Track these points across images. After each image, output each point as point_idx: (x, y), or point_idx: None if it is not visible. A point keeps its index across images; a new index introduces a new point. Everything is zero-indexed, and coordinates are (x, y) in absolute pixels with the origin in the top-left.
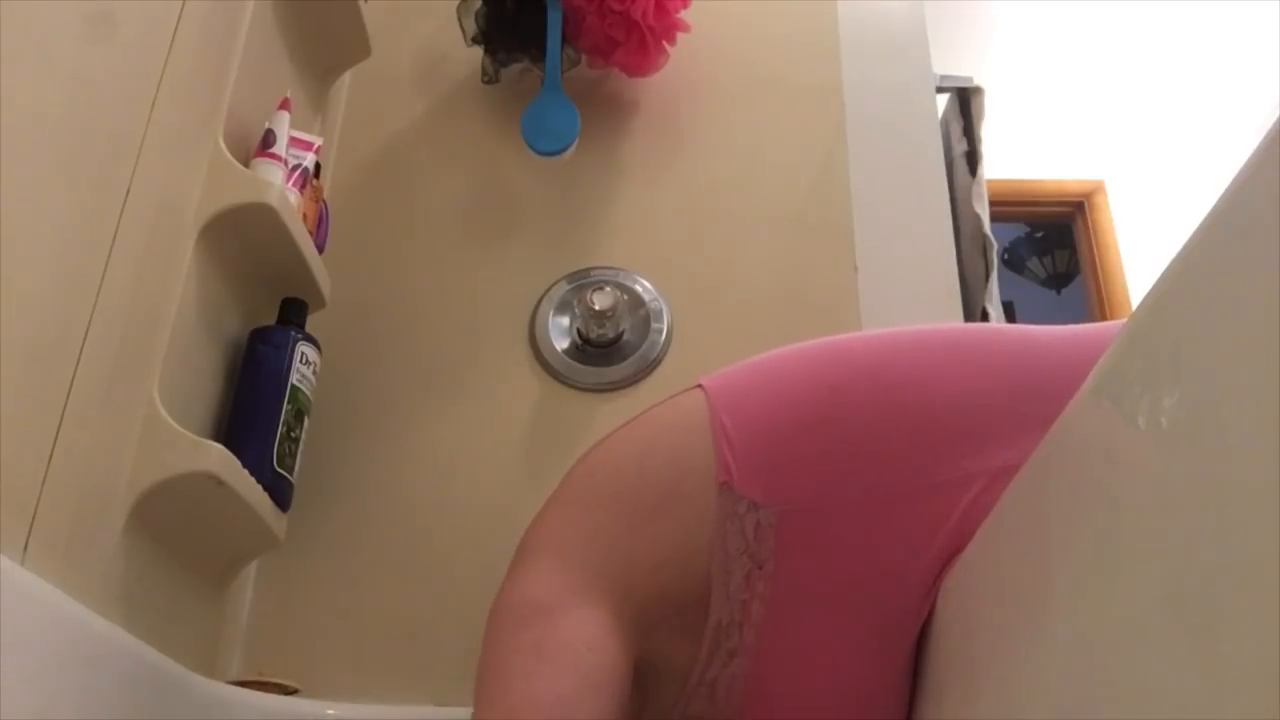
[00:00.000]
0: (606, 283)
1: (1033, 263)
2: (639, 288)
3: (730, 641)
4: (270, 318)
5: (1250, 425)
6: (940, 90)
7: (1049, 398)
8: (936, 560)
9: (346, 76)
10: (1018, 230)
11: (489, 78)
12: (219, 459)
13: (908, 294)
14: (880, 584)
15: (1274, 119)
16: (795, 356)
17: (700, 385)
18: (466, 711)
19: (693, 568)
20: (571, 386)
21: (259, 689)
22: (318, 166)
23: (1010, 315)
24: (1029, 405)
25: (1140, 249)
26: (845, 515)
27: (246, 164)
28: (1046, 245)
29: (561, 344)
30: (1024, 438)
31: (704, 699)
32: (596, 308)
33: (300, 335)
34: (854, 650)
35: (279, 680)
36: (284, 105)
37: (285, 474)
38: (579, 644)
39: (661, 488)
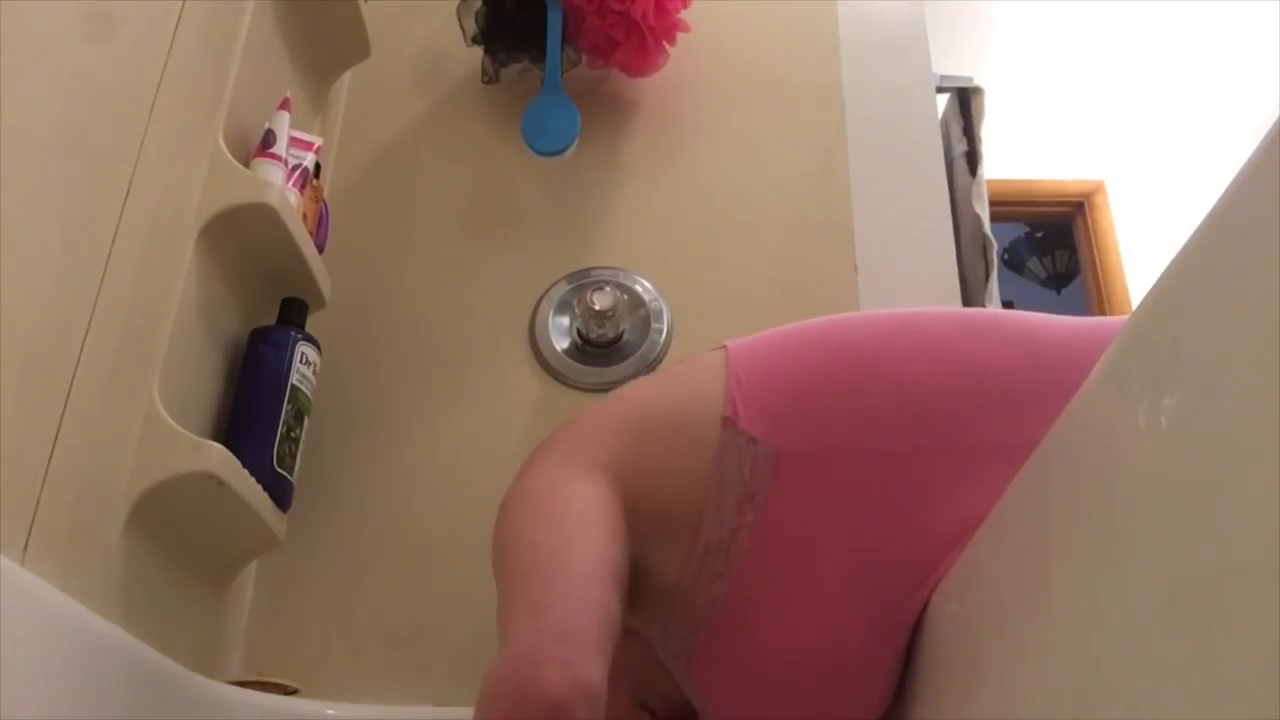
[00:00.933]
0: (606, 283)
1: (1033, 263)
2: (639, 288)
3: (716, 563)
4: (270, 318)
5: (1250, 425)
6: (940, 90)
7: (1044, 384)
8: (926, 539)
9: (346, 76)
10: (1018, 230)
11: (489, 78)
12: (219, 459)
13: (908, 294)
14: (867, 543)
15: (1274, 119)
16: (814, 323)
17: (724, 345)
18: (467, 712)
19: (688, 488)
20: (571, 386)
21: (259, 689)
22: (318, 166)
23: None
24: (1024, 389)
25: (1140, 249)
26: (837, 465)
27: (246, 164)
28: (1046, 245)
29: (561, 344)
30: (1018, 419)
31: (686, 614)
32: (596, 308)
33: (300, 335)
34: (836, 606)
35: (279, 680)
36: (284, 105)
37: (285, 474)
38: (571, 500)
39: (670, 415)
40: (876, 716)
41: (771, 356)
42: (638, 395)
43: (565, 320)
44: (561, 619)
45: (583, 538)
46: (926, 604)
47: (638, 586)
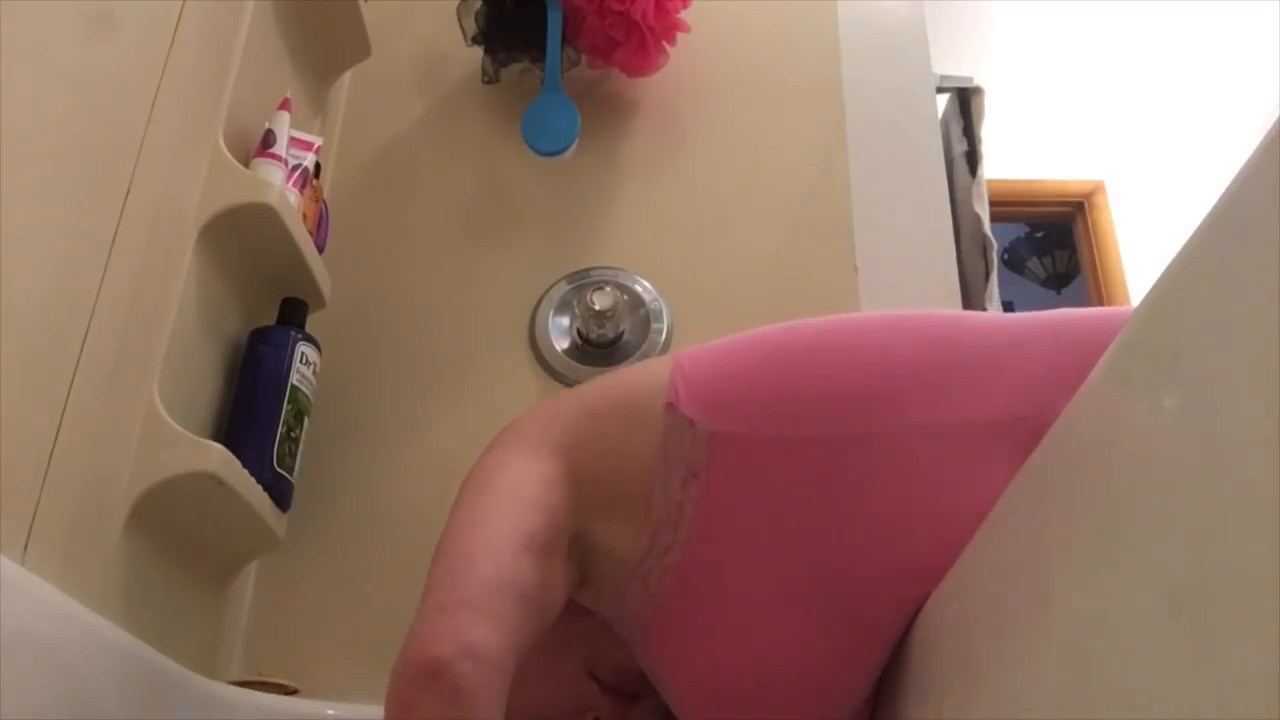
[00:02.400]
0: (606, 283)
1: (1033, 263)
2: (639, 288)
3: (666, 537)
4: (270, 318)
5: (1250, 425)
6: (940, 90)
7: (960, 370)
8: (857, 521)
9: (346, 76)
10: (1018, 230)
11: (489, 78)
12: (219, 459)
13: (908, 294)
14: (798, 523)
15: (1274, 119)
16: (756, 330)
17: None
18: None
19: (637, 467)
20: (571, 386)
21: (259, 689)
22: (318, 166)
23: None
24: (939, 374)
25: (1140, 249)
26: (767, 448)
27: (246, 164)
28: (1046, 245)
29: (561, 344)
30: (933, 401)
31: (639, 586)
32: (596, 308)
33: (300, 335)
34: (779, 585)
35: (279, 680)
36: (284, 105)
37: (285, 474)
38: (506, 477)
39: (619, 398)
40: (839, 704)
41: (713, 354)
42: (590, 384)
43: (565, 320)
44: (446, 594)
45: (501, 512)
46: (883, 607)
47: (593, 561)
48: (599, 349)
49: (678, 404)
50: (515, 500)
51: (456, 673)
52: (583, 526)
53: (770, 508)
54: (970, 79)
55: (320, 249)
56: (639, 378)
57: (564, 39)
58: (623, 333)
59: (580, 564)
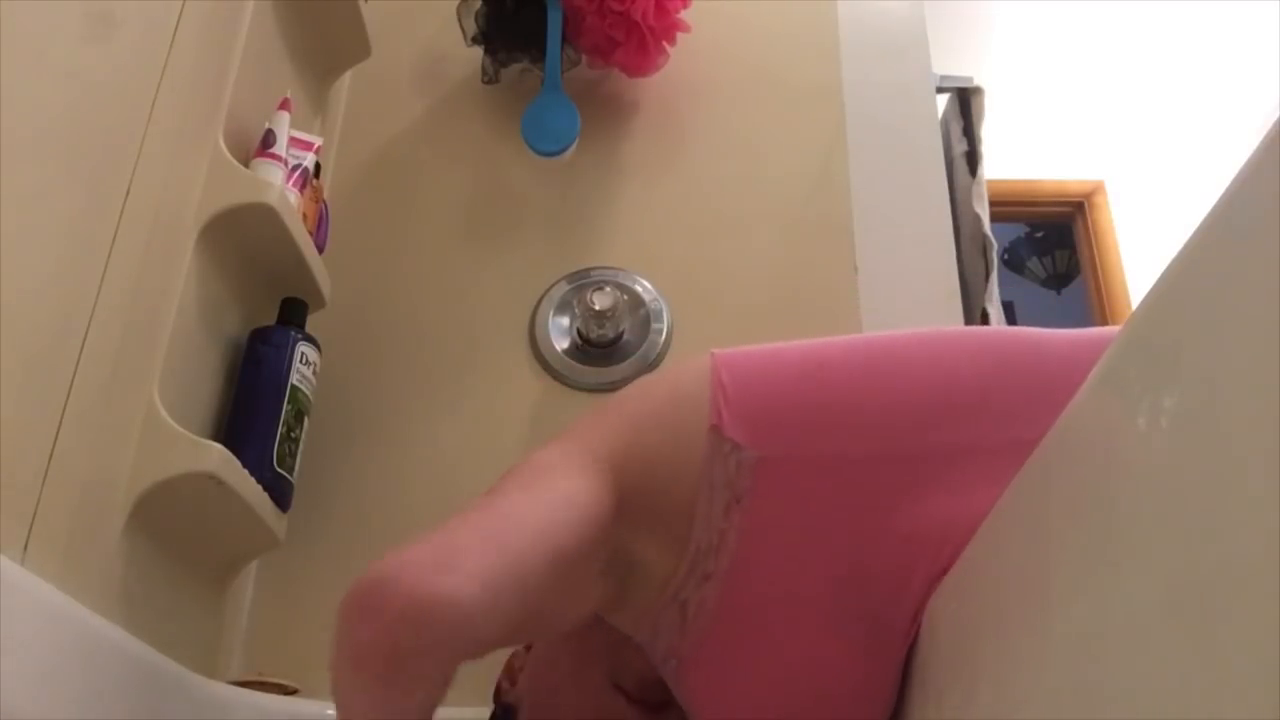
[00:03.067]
0: (606, 283)
1: (1033, 263)
2: (639, 288)
3: (706, 565)
4: (270, 318)
5: (1250, 425)
6: (940, 90)
7: (1019, 388)
8: (899, 542)
9: (346, 76)
10: (1018, 230)
11: (489, 78)
12: (219, 459)
13: (908, 294)
14: (843, 546)
15: (1274, 119)
16: (797, 342)
17: (711, 353)
18: (466, 712)
19: (678, 484)
20: (571, 386)
21: (259, 689)
22: (318, 166)
23: (1010, 315)
24: (997, 394)
25: (1140, 249)
26: (813, 470)
27: (246, 164)
28: (1046, 245)
29: (561, 344)
30: (990, 423)
31: (675, 615)
32: (596, 308)
33: (300, 335)
34: (820, 621)
35: (279, 680)
36: (284, 105)
37: (285, 474)
38: (555, 486)
39: (660, 410)
40: None
41: (753, 368)
42: (632, 391)
43: (565, 320)
44: (453, 556)
45: (544, 514)
46: (917, 624)
47: (630, 578)
48: (599, 349)
49: (722, 427)
50: (552, 504)
51: (436, 623)
52: (623, 541)
53: (814, 533)
54: (970, 79)
55: (320, 249)
56: (678, 389)
57: (564, 39)
58: (623, 333)
59: (619, 580)
